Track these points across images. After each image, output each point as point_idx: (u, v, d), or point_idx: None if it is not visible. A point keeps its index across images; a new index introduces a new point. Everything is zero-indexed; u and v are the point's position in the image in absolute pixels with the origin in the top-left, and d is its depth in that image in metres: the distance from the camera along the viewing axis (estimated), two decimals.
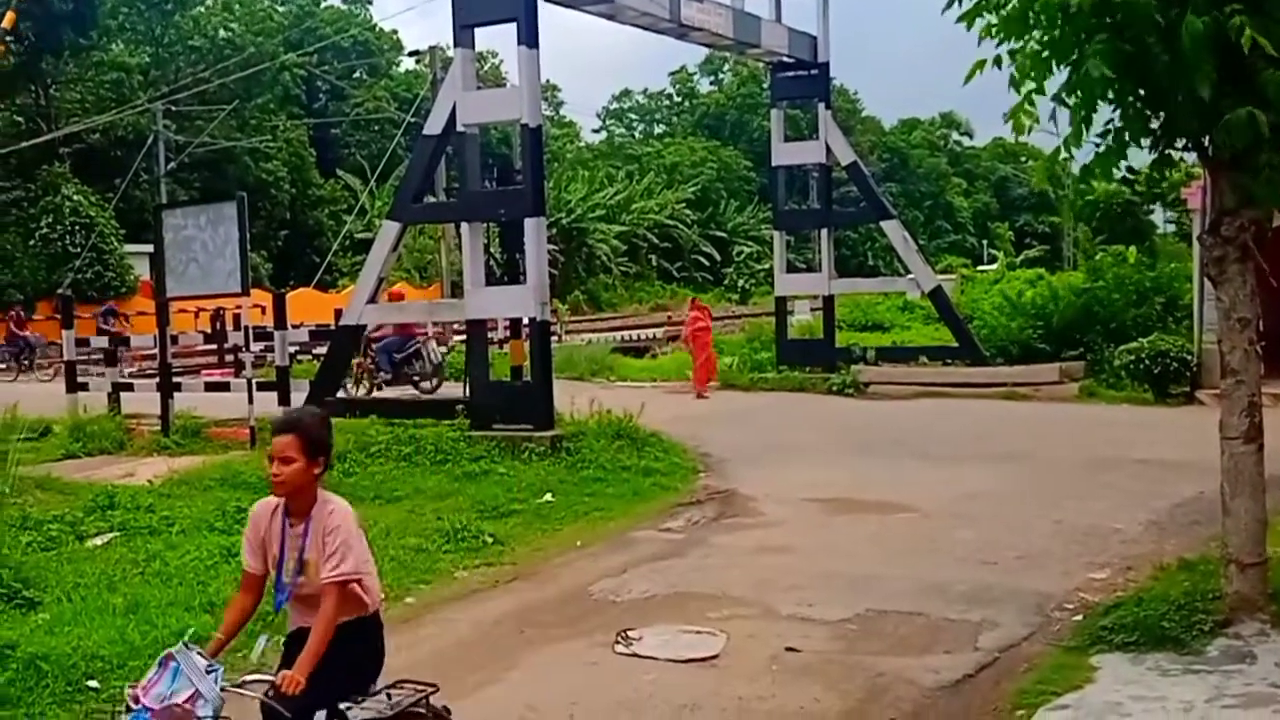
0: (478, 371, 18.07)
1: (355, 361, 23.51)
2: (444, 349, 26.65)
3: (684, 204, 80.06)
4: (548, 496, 14.27)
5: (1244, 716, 6.92)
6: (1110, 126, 8.06)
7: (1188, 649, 8.04)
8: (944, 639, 8.90)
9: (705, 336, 26.46)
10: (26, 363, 36.22)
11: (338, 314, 22.50)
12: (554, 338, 23.87)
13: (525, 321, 17.93)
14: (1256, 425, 8.34)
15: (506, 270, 18.38)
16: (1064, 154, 8.10)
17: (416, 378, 23.75)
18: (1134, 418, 20.72)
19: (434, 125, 18.28)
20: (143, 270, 48.15)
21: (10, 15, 28.54)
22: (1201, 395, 21.54)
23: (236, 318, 27.57)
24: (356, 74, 78.05)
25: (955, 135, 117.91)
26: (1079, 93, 7.72)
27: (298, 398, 18.59)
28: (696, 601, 9.99)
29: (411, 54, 64.92)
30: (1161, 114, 8.09)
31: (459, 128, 17.81)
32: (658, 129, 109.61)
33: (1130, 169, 8.57)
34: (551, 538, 12.67)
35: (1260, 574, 8.36)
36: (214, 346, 31.83)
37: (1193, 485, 13.18)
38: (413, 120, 35.30)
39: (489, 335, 19.87)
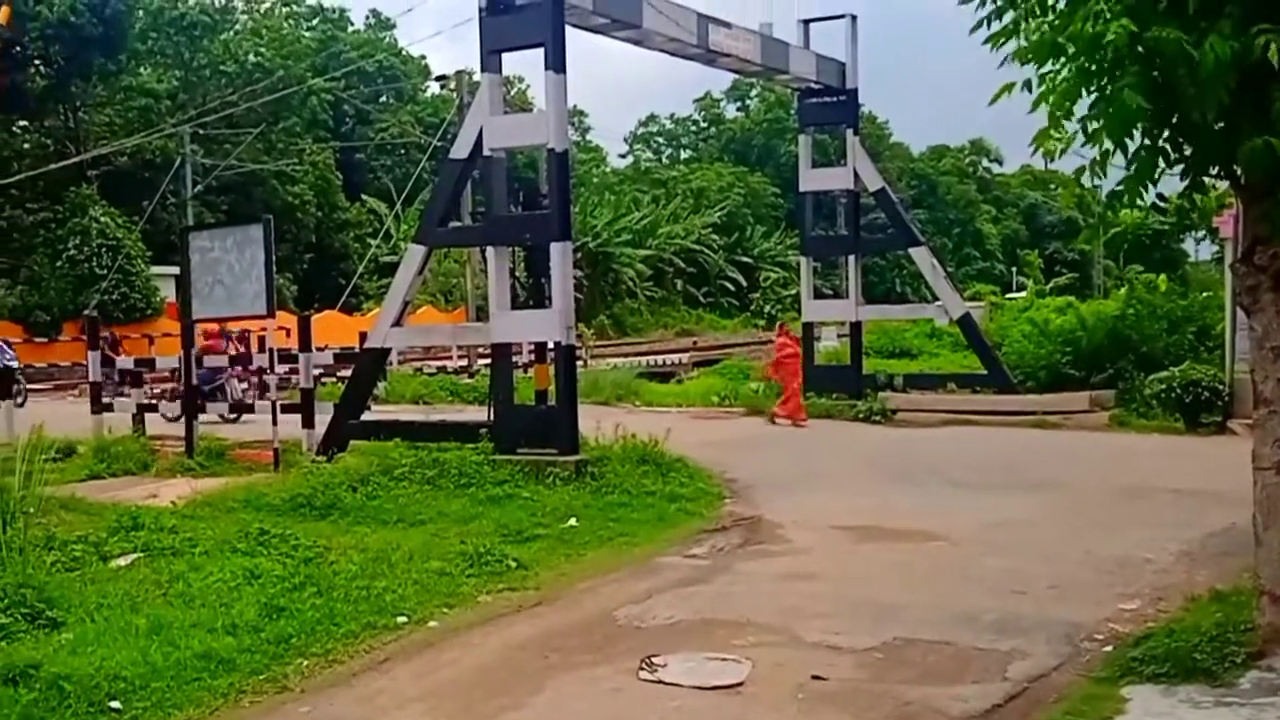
0: (502, 395, 18.04)
1: (170, 387, 24.10)
2: (244, 385, 26.86)
3: (710, 229, 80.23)
4: (572, 521, 14.20)
5: None
6: (1139, 153, 8.02)
7: (1220, 681, 7.96)
8: (972, 668, 8.81)
9: (795, 364, 25.72)
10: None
11: (362, 337, 22.55)
12: (579, 362, 23.86)
13: (550, 345, 17.91)
14: None
15: (532, 294, 18.37)
16: (1091, 180, 8.07)
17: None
18: (1165, 447, 20.61)
19: (461, 149, 18.31)
20: (169, 292, 48.41)
21: (6, 10, 28.70)
22: (1234, 425, 21.40)
23: (261, 340, 27.61)
24: (383, 98, 78.55)
25: (984, 162, 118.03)
26: (1109, 119, 7.67)
27: (322, 420, 18.67)
28: (722, 628, 9.91)
29: (438, 79, 65.45)
30: (1191, 143, 8.05)
31: (485, 152, 17.83)
32: (684, 154, 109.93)
33: (1160, 196, 8.52)
34: (576, 563, 12.59)
35: None
36: (239, 369, 31.83)
37: (1225, 516, 13.06)
38: (439, 144, 35.53)
39: (514, 359, 19.84)
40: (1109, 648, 9.11)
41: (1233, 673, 8.03)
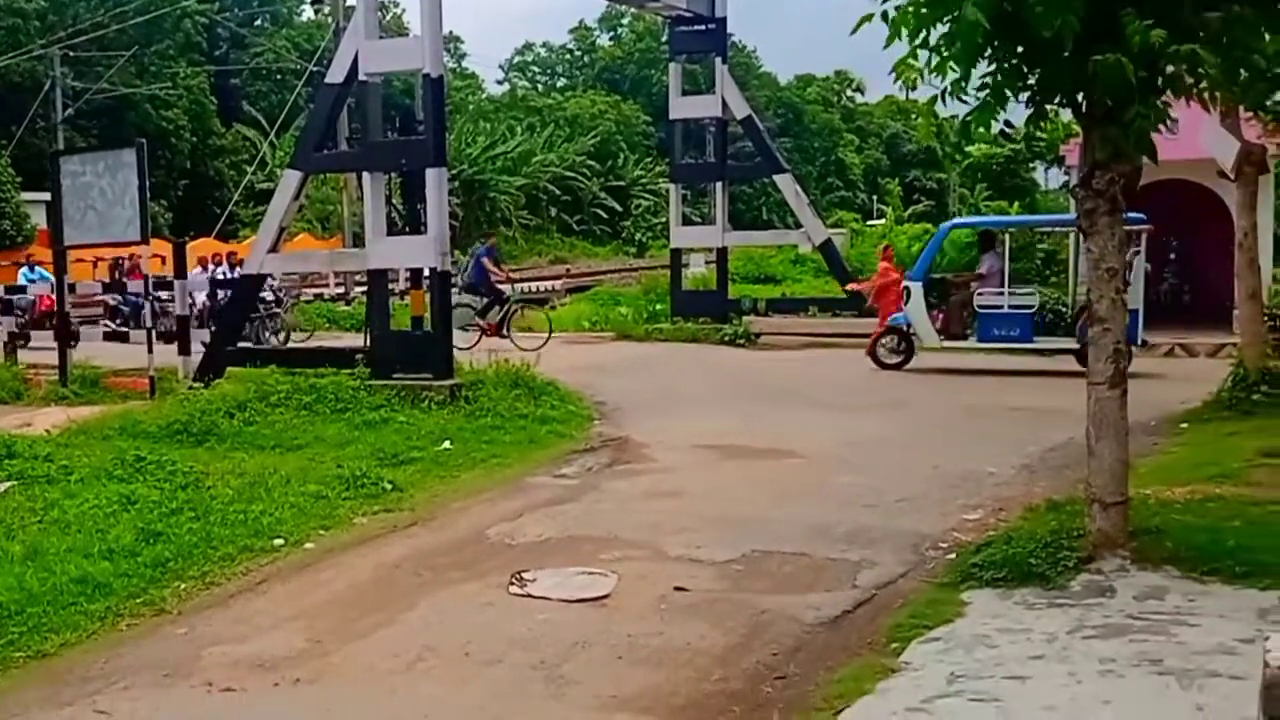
0: (379, 321, 18.11)
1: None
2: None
3: (584, 157, 79.90)
4: (446, 444, 14.39)
5: (1102, 646, 7.25)
6: (990, 79, 8.38)
7: (1053, 584, 8.41)
8: (825, 578, 9.21)
9: (898, 291, 23.58)
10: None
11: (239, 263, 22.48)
12: (454, 289, 24.03)
13: (426, 272, 17.99)
14: (1121, 371, 8.72)
15: (408, 221, 18.42)
16: (942, 106, 8.44)
17: None
18: (1011, 366, 21.29)
19: (336, 74, 18.13)
20: (40, 219, 47.27)
21: None
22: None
23: (136, 267, 27.20)
24: (258, 22, 76.89)
25: (849, 92, 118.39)
26: (958, 44, 8.03)
27: (198, 348, 18.61)
28: (589, 544, 10.23)
29: (313, 2, 64.10)
30: (1038, 70, 8.41)
31: (361, 77, 17.64)
32: (559, 82, 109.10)
33: (1008, 123, 8.93)
34: (449, 484, 12.82)
35: (1121, 513, 8.78)
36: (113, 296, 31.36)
37: (1063, 431, 13.60)
38: (315, 70, 35.10)
39: (390, 286, 19.91)
40: (952, 555, 9.58)
41: (1065, 576, 8.49)
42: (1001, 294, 21.03)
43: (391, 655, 7.82)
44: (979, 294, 21.30)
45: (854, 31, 8.47)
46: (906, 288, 21.54)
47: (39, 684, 7.56)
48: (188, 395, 16.73)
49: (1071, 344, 19.93)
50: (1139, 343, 19.86)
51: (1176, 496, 10.29)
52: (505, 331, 25.23)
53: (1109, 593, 8.20)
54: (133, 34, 55.83)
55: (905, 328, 21.33)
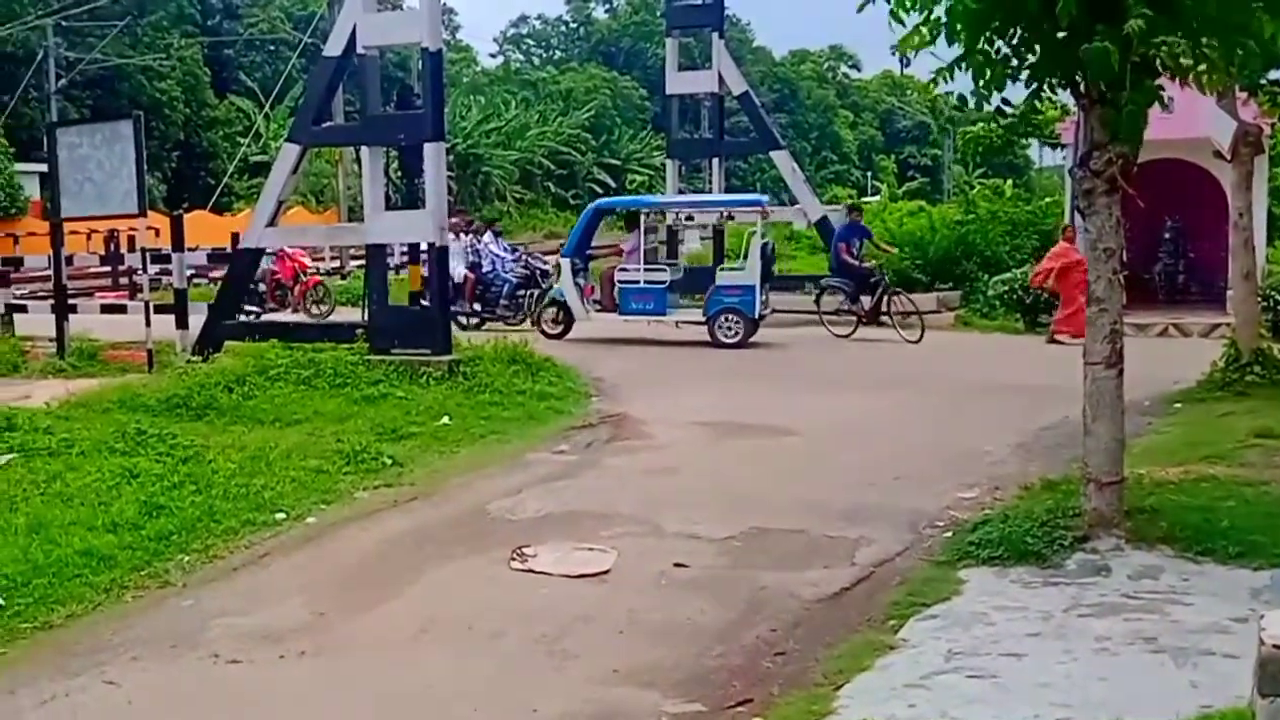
0: (377, 296, 18.11)
1: None
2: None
3: (578, 131, 79.90)
4: (445, 419, 14.40)
5: (1097, 624, 7.36)
6: (985, 58, 8.45)
7: (1048, 563, 8.51)
8: (823, 555, 9.30)
9: (1083, 273, 22.55)
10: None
11: (234, 237, 22.39)
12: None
13: (424, 247, 18.01)
14: (1118, 351, 8.81)
15: (405, 195, 18.43)
16: (944, 82, 8.57)
17: None
18: (1005, 345, 21.51)
19: (334, 47, 18.00)
20: (33, 190, 47.16)
21: None
22: None
23: (131, 239, 27.13)
24: None
25: (844, 68, 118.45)
26: (960, 23, 8.14)
27: (196, 320, 18.64)
28: (589, 520, 10.30)
29: None
30: (1035, 50, 8.49)
31: (359, 50, 17.55)
32: (554, 55, 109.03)
33: (1006, 101, 9.02)
34: (449, 459, 12.87)
35: (1117, 492, 8.88)
36: (109, 269, 31.33)
37: (1058, 410, 13.62)
38: (309, 41, 35.05)
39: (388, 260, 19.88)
40: (949, 534, 9.65)
41: (1060, 555, 8.60)
42: (639, 269, 22.51)
43: (396, 628, 7.91)
44: (620, 269, 22.98)
45: (860, 9, 8.62)
46: (558, 263, 23.27)
47: (47, 655, 7.62)
48: (186, 369, 16.65)
49: (699, 316, 21.87)
50: (757, 316, 21.43)
51: (1171, 476, 10.38)
52: (883, 317, 23.31)
53: (1104, 571, 8.31)
54: (125, 4, 55.65)
55: (562, 300, 22.66)
